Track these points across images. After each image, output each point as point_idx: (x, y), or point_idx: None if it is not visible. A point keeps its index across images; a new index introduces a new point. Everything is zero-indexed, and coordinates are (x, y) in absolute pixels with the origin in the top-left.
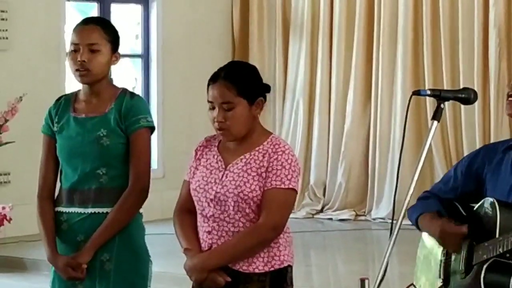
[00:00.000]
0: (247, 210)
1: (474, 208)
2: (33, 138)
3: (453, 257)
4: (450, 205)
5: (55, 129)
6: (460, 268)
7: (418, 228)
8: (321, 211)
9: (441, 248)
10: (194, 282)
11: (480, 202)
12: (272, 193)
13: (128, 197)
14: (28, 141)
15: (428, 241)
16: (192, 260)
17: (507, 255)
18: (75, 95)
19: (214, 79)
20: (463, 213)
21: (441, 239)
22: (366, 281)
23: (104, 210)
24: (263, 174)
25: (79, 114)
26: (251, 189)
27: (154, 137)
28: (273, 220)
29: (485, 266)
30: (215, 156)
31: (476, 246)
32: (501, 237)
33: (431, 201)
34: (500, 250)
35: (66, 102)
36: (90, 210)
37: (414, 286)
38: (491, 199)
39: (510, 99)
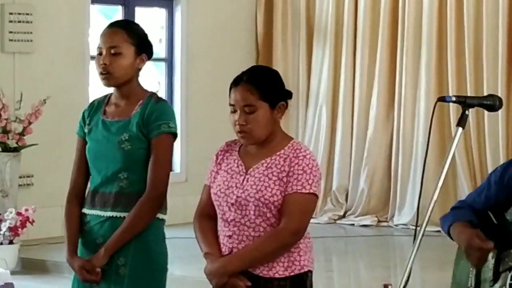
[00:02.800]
0: (268, 215)
1: (506, 217)
2: (56, 140)
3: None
4: (482, 215)
5: (86, 130)
6: (489, 276)
7: (450, 237)
8: (343, 216)
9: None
10: (214, 287)
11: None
12: (293, 197)
13: (143, 203)
14: (52, 144)
15: None
16: (212, 265)
17: None
18: (108, 98)
19: (236, 82)
20: (495, 221)
21: (466, 252)
22: (390, 287)
23: (122, 214)
24: (284, 179)
25: (108, 117)
26: (272, 194)
27: (177, 141)
28: (294, 225)
29: (511, 273)
30: (236, 161)
31: (504, 253)
32: None
33: (464, 211)
34: None
35: (98, 105)
36: (109, 213)
37: None
38: None
39: None
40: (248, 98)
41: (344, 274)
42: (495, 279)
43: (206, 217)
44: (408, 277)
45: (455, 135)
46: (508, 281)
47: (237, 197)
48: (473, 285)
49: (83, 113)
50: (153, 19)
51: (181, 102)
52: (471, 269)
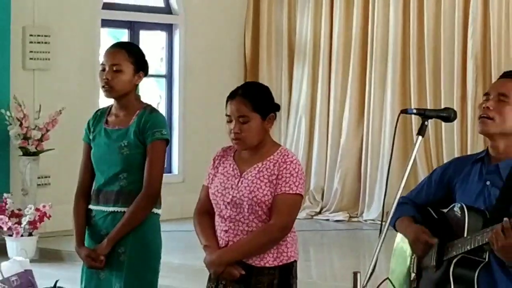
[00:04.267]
0: (260, 212)
1: (445, 212)
2: (70, 146)
3: (433, 251)
4: (423, 210)
5: (90, 137)
6: (432, 263)
7: (395, 229)
8: (319, 213)
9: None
10: (212, 275)
11: (450, 206)
12: (281, 197)
13: (140, 200)
14: (66, 149)
15: (403, 237)
16: (211, 256)
17: (473, 251)
18: (109, 108)
19: (232, 96)
20: (435, 216)
21: (412, 244)
22: (358, 274)
23: (122, 209)
24: (274, 181)
25: (109, 126)
26: (264, 194)
27: (175, 147)
28: (283, 221)
29: (454, 261)
30: (231, 165)
31: (446, 244)
32: (469, 236)
33: (408, 207)
34: (468, 247)
35: (101, 115)
36: (111, 208)
37: (389, 279)
38: (460, 204)
39: (480, 119)
40: (243, 110)
41: (320, 263)
42: (438, 267)
43: (205, 214)
44: (375, 265)
45: (415, 143)
46: (451, 268)
47: (233, 197)
48: (415, 271)
49: (88, 122)
50: (155, 41)
51: (179, 113)
52: (412, 256)
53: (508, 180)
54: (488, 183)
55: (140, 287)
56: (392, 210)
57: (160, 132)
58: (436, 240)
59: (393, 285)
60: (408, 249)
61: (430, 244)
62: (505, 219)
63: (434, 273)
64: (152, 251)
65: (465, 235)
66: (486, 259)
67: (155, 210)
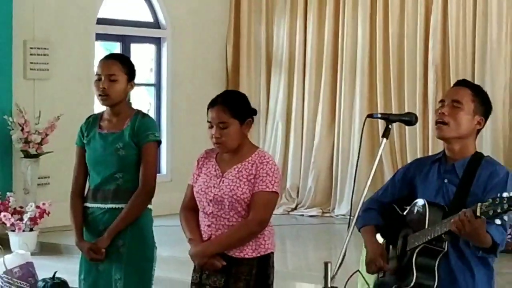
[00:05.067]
0: (239, 209)
1: (408, 207)
2: (67, 149)
3: (391, 245)
4: (389, 207)
5: (84, 141)
6: (397, 254)
7: (359, 231)
8: (295, 209)
9: (381, 239)
10: (197, 266)
11: (413, 203)
12: (259, 195)
13: (137, 196)
14: (64, 151)
15: None
16: (195, 248)
17: (433, 242)
18: (101, 114)
19: (212, 103)
20: (400, 212)
21: (369, 263)
22: (329, 264)
23: (120, 205)
24: (252, 180)
25: (103, 130)
26: (243, 192)
27: (164, 149)
28: (260, 217)
29: (416, 251)
30: (214, 166)
31: (410, 236)
32: (429, 227)
33: (372, 214)
34: (428, 237)
35: (93, 120)
36: (109, 205)
37: (360, 271)
38: (422, 200)
39: (437, 125)
40: (222, 117)
41: (295, 254)
42: (402, 257)
43: (190, 210)
44: (344, 256)
45: (380, 144)
46: (414, 258)
47: (215, 194)
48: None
49: (81, 127)
50: (145, 53)
51: (167, 118)
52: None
53: (463, 178)
54: (446, 181)
55: (139, 276)
56: (358, 210)
57: (153, 134)
58: (389, 266)
59: (363, 276)
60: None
61: (381, 268)
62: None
63: (398, 262)
64: (148, 243)
65: (426, 227)
66: (445, 249)
67: (148, 206)
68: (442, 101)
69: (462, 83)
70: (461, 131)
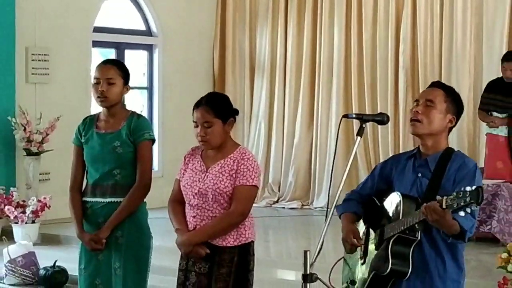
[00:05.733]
0: (222, 201)
1: (386, 199)
2: (66, 147)
3: (371, 234)
4: (369, 199)
5: (82, 140)
6: (375, 242)
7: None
8: (277, 202)
9: (363, 229)
10: (183, 254)
11: (390, 195)
12: (240, 188)
13: (135, 191)
14: (63, 149)
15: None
16: (181, 237)
17: (407, 231)
18: (97, 115)
19: (197, 105)
20: (378, 203)
21: (343, 242)
22: (308, 252)
23: (118, 199)
24: (234, 175)
25: (100, 130)
26: (225, 186)
27: (156, 147)
28: (241, 208)
29: (392, 240)
30: (199, 162)
31: (386, 226)
32: (403, 218)
33: (352, 203)
34: (402, 227)
35: (90, 121)
36: (108, 199)
37: (344, 258)
38: (397, 192)
39: (411, 122)
40: (206, 117)
41: (277, 243)
42: (379, 245)
43: (177, 202)
44: (322, 245)
45: (355, 142)
46: (390, 246)
47: (200, 188)
48: (362, 250)
49: (78, 128)
50: (138, 58)
51: (158, 119)
52: (362, 233)
53: (435, 172)
54: (419, 175)
55: (137, 263)
56: (334, 203)
57: (148, 133)
58: (361, 242)
59: (347, 263)
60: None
61: (355, 246)
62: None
63: (376, 250)
64: (145, 233)
65: (401, 218)
66: (418, 238)
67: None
68: (417, 100)
69: (436, 85)
70: (433, 128)
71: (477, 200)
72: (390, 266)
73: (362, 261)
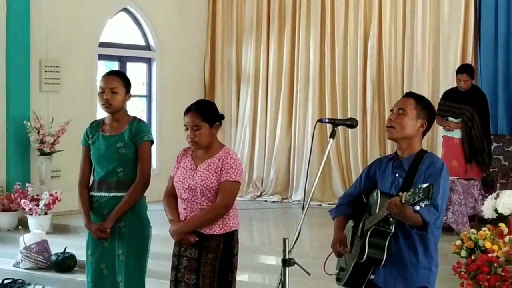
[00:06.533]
0: (209, 195)
1: (370, 197)
2: (75, 148)
3: (360, 225)
4: (358, 197)
5: (89, 142)
6: (358, 234)
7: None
8: (260, 196)
9: (352, 223)
10: (175, 241)
11: (372, 192)
12: (224, 184)
13: (136, 186)
14: (72, 150)
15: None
16: (174, 227)
17: (382, 224)
18: (102, 120)
19: (187, 110)
20: (365, 201)
21: (332, 247)
22: (287, 240)
23: (121, 194)
24: (219, 172)
25: (105, 133)
26: (211, 182)
27: (154, 148)
28: (225, 201)
29: (369, 232)
30: (190, 161)
31: (366, 219)
32: (377, 212)
33: (342, 207)
34: (376, 221)
35: (97, 125)
36: (112, 194)
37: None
38: (376, 190)
39: (387, 128)
40: (195, 121)
41: (260, 232)
42: (361, 236)
43: (171, 196)
44: (299, 233)
45: (328, 143)
46: (367, 237)
47: (189, 184)
48: (350, 240)
49: (86, 130)
50: (138, 70)
51: (156, 123)
52: (350, 230)
53: (408, 171)
54: (397, 175)
55: (137, 251)
56: (310, 196)
57: (148, 135)
58: (347, 250)
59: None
60: (349, 225)
61: (342, 253)
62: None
63: (359, 241)
64: (145, 224)
65: (377, 212)
66: (393, 230)
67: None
68: (392, 110)
69: (408, 94)
70: (405, 133)
71: (427, 196)
72: (366, 254)
73: (349, 250)
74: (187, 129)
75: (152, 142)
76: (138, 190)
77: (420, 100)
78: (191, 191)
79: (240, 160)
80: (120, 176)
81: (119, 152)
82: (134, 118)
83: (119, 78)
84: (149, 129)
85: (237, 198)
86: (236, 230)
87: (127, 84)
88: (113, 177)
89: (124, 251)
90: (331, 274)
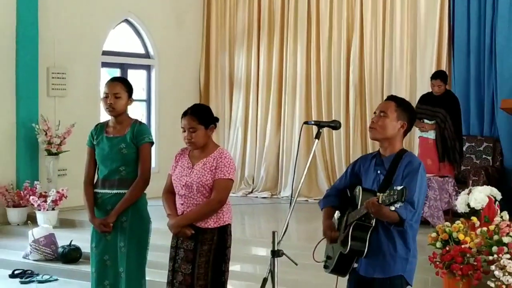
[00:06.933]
0: (204, 192)
1: (353, 192)
2: (80, 148)
3: (344, 218)
4: (344, 191)
5: (94, 143)
6: (343, 226)
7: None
8: (251, 192)
9: (338, 214)
10: (173, 234)
11: (355, 189)
12: (219, 181)
13: (136, 184)
14: (77, 150)
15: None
16: (171, 221)
17: (363, 218)
18: (106, 122)
19: (184, 114)
20: (349, 195)
21: (324, 234)
22: (276, 233)
23: (123, 191)
24: (214, 170)
25: (109, 134)
26: (207, 179)
27: (153, 148)
28: (219, 197)
29: (351, 226)
30: (186, 160)
31: (350, 214)
32: (358, 209)
33: (330, 199)
34: (357, 216)
35: (101, 127)
36: (115, 191)
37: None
38: (358, 187)
39: (369, 129)
40: (192, 123)
41: (251, 226)
42: (345, 229)
43: (169, 193)
44: (287, 226)
45: (313, 144)
46: (350, 231)
47: (186, 181)
48: (337, 227)
49: (91, 132)
50: (139, 76)
51: (155, 125)
52: (337, 218)
53: (389, 169)
54: (378, 172)
55: (138, 243)
56: (297, 193)
57: (148, 137)
58: (336, 234)
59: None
60: (336, 216)
61: (333, 238)
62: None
63: (343, 233)
64: (145, 218)
65: (358, 207)
66: (373, 224)
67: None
68: (375, 112)
69: (390, 98)
70: (386, 133)
71: (401, 199)
72: (349, 246)
73: (335, 241)
74: (184, 131)
75: (152, 143)
76: (139, 188)
77: (400, 103)
78: (188, 188)
79: (233, 159)
80: (122, 174)
81: (121, 153)
82: (136, 120)
83: (122, 84)
84: (150, 131)
85: (230, 194)
86: (229, 224)
87: (129, 89)
88: (116, 175)
89: (125, 244)
90: (319, 262)
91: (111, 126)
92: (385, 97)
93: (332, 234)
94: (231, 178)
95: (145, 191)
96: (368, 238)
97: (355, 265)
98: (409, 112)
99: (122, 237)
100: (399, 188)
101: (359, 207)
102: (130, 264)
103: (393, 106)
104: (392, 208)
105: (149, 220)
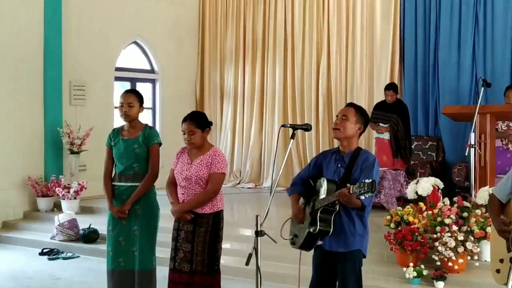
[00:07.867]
0: (201, 183)
1: (317, 182)
2: (97, 148)
3: (308, 204)
4: (307, 181)
5: (112, 144)
6: (309, 211)
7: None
8: (238, 183)
9: (302, 200)
10: (175, 219)
11: (320, 179)
12: (213, 175)
13: (147, 178)
14: (95, 150)
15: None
16: (174, 207)
17: (329, 205)
18: (122, 127)
19: (184, 119)
20: (312, 184)
21: (294, 218)
22: (259, 216)
23: (136, 184)
24: (209, 166)
25: (124, 137)
26: (203, 173)
27: (160, 148)
28: (214, 188)
29: (319, 211)
30: (186, 157)
31: (316, 200)
32: (327, 196)
33: (297, 186)
34: (325, 203)
35: (117, 131)
36: (129, 184)
37: (291, 219)
38: (323, 177)
39: (333, 130)
40: (190, 127)
41: (239, 211)
42: (311, 213)
43: (172, 184)
44: (267, 211)
45: (289, 143)
46: (318, 214)
47: (186, 175)
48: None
49: (109, 135)
50: (145, 88)
51: (159, 128)
52: (302, 203)
53: (348, 164)
54: (339, 165)
55: (149, 228)
56: (276, 183)
57: (157, 139)
58: (303, 216)
59: (293, 222)
60: (301, 202)
61: (299, 219)
62: (347, 185)
63: (310, 216)
64: (155, 207)
65: (324, 195)
66: (337, 209)
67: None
68: (337, 116)
69: (350, 104)
70: (347, 134)
71: (371, 190)
72: (318, 227)
73: (302, 222)
74: (184, 134)
75: (160, 144)
76: (149, 181)
77: (358, 109)
78: (188, 180)
79: (225, 156)
80: (135, 170)
81: (135, 152)
82: (146, 125)
83: (135, 95)
84: (158, 134)
85: (223, 185)
86: (222, 210)
87: (140, 99)
88: (130, 171)
89: (138, 228)
90: (286, 239)
91: (125, 130)
92: None
93: (301, 216)
94: (224, 172)
95: (154, 184)
96: (332, 219)
97: (319, 242)
98: (365, 117)
99: (135, 222)
100: (368, 181)
101: (324, 194)
102: (142, 244)
103: (353, 112)
104: (362, 197)
105: (158, 208)
